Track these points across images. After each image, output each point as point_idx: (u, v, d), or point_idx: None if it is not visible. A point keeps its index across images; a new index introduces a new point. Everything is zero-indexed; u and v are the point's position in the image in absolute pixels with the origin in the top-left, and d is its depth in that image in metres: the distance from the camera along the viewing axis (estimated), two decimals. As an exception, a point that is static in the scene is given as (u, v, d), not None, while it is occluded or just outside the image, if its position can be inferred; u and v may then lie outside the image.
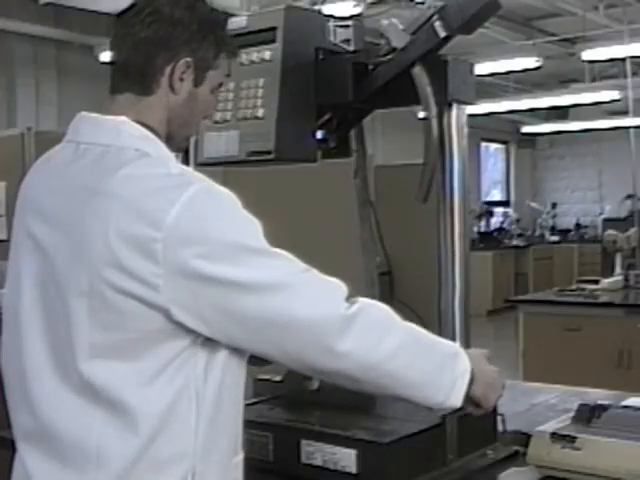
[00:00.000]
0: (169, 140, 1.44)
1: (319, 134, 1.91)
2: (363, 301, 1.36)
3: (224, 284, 1.26)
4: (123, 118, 1.38)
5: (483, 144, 14.62)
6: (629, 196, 9.19)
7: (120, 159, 1.32)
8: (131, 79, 1.41)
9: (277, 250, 1.33)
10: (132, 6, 1.43)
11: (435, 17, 1.72)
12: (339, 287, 1.35)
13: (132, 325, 1.27)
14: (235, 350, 1.36)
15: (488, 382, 1.50)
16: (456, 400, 1.43)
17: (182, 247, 1.25)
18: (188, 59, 1.40)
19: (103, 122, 1.39)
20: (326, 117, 1.93)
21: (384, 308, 1.40)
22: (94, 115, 1.41)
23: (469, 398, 1.46)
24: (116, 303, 1.25)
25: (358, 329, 1.32)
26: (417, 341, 1.41)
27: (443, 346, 1.46)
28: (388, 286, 2.81)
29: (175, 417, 1.30)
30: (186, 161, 2.02)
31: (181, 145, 1.51)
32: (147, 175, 1.30)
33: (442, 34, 1.71)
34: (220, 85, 1.50)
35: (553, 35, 9.35)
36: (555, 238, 14.10)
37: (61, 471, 1.31)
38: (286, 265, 1.33)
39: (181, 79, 1.41)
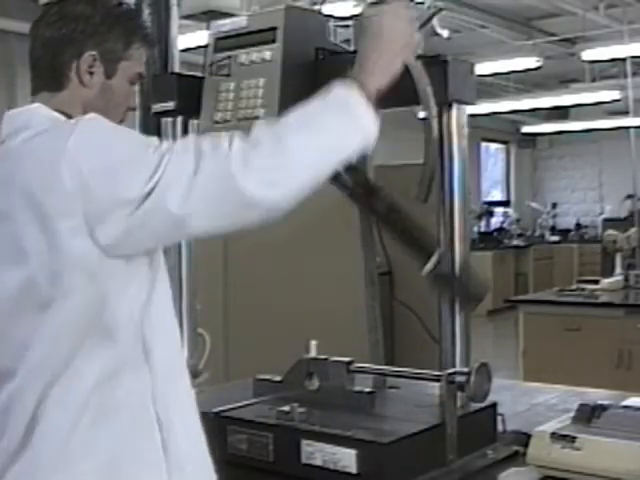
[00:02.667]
0: None
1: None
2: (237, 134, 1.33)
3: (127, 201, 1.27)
4: (36, 104, 1.44)
5: (483, 144, 14.61)
6: (629, 196, 9.19)
7: (26, 134, 1.37)
8: (43, 78, 1.48)
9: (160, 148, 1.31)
10: (43, 10, 1.48)
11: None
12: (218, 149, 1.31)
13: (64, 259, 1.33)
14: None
15: (385, 59, 1.48)
16: (371, 125, 1.40)
17: (86, 172, 1.28)
18: (93, 52, 1.45)
19: (17, 113, 1.45)
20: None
21: (262, 126, 1.36)
22: (13, 110, 1.46)
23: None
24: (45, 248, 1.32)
25: (257, 172, 1.29)
26: (306, 121, 1.36)
27: (330, 99, 1.41)
28: (388, 286, 2.82)
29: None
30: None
31: None
32: (42, 130, 1.35)
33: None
34: (139, 76, 1.54)
35: (553, 35, 9.35)
36: (555, 238, 14.09)
37: None
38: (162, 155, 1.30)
39: (90, 72, 1.46)
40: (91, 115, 1.36)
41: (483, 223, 13.65)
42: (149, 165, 1.28)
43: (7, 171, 1.34)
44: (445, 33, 1.87)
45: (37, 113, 1.42)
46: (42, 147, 1.33)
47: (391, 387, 2.10)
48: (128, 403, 1.34)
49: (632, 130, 6.99)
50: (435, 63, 1.76)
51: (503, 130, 14.67)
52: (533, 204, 14.66)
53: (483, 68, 8.72)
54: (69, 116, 1.43)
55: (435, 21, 1.81)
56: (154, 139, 1.35)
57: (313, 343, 2.01)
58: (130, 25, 1.52)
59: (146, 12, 2.04)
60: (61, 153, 1.28)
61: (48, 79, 1.47)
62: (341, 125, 1.39)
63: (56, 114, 1.43)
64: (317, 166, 1.37)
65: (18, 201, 1.31)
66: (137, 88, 1.58)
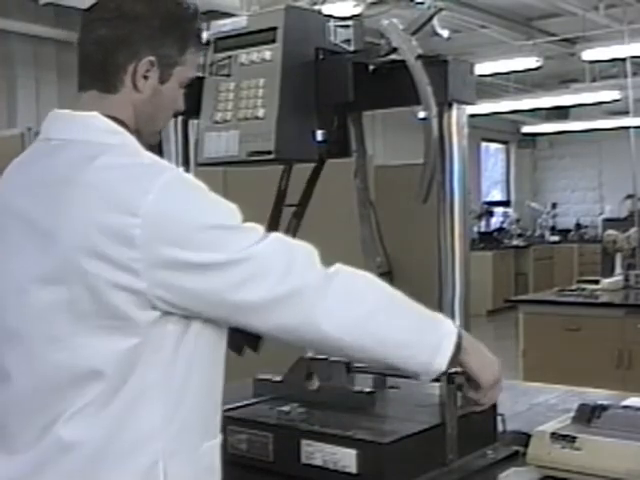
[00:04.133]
0: (137, 135, 1.44)
1: (319, 134, 1.91)
2: (339, 265, 1.37)
3: (202, 269, 1.27)
4: (94, 113, 1.38)
5: (483, 144, 14.61)
6: (629, 196, 9.20)
7: (92, 151, 1.32)
8: (94, 76, 1.41)
9: (250, 225, 1.33)
10: (97, 2, 1.42)
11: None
12: (312, 251, 1.37)
13: (111, 311, 1.26)
14: (209, 328, 1.35)
15: (483, 358, 1.48)
16: (442, 362, 1.40)
17: (160, 234, 1.25)
18: (151, 58, 1.39)
19: (73, 118, 1.40)
20: (326, 117, 1.93)
21: (361, 272, 1.40)
22: (66, 111, 1.41)
23: (463, 368, 1.46)
24: (97, 290, 1.25)
25: (336, 290, 1.33)
26: (399, 301, 1.40)
27: (426, 310, 1.44)
28: (388, 286, 2.82)
29: (143, 396, 1.30)
30: (186, 161, 2.02)
31: (150, 140, 1.50)
32: (121, 164, 1.31)
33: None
34: (190, 79, 1.49)
35: (553, 35, 9.36)
36: (555, 238, 14.09)
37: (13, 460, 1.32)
38: (259, 239, 1.32)
39: (145, 77, 1.40)
40: (176, 175, 1.32)
41: (483, 223, 13.65)
42: (236, 240, 1.30)
43: (69, 194, 1.29)
44: (445, 33, 1.87)
45: (93, 126, 1.37)
46: (119, 189, 1.27)
47: (391, 387, 2.10)
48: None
49: (632, 130, 7.00)
50: (435, 63, 1.76)
51: (503, 130, 14.68)
52: (533, 204, 14.67)
53: (483, 68, 8.73)
54: (121, 122, 1.39)
55: (435, 21, 1.81)
56: (238, 216, 1.34)
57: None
58: (187, 29, 1.44)
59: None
60: (139, 206, 1.25)
61: (99, 79, 1.40)
62: (425, 343, 1.41)
63: (112, 125, 1.38)
64: (375, 343, 1.38)
65: (73, 232, 1.27)
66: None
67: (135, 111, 1.42)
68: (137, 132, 1.44)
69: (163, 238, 1.25)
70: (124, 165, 1.31)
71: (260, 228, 1.34)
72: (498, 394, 1.56)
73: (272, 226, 2.03)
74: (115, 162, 1.31)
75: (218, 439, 1.44)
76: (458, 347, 1.42)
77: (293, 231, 2.04)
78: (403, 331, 1.39)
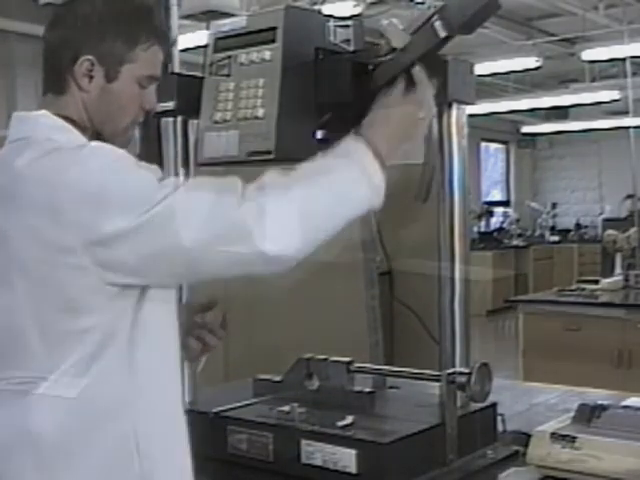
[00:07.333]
0: (99, 136, 1.45)
1: (319, 134, 1.91)
2: (254, 187, 1.33)
3: (135, 234, 1.27)
4: (43, 111, 1.42)
5: (483, 144, 14.61)
6: (629, 196, 9.19)
7: (30, 146, 1.35)
8: (48, 80, 1.45)
9: (169, 182, 1.33)
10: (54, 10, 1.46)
11: (435, 17, 1.71)
12: (231, 194, 1.32)
13: (70, 294, 1.29)
14: (160, 292, 1.37)
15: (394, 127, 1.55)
16: (377, 178, 1.46)
17: (85, 208, 1.27)
18: (89, 57, 1.40)
19: (25, 117, 1.43)
20: (326, 117, 1.93)
21: (272, 175, 1.37)
22: (21, 113, 1.45)
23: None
24: (46, 275, 1.29)
25: (270, 224, 1.29)
26: (314, 169, 1.41)
27: (338, 151, 1.45)
28: (388, 286, 2.81)
29: (107, 367, 1.32)
30: (186, 161, 2.02)
31: (116, 141, 1.46)
32: (50, 149, 1.33)
33: (442, 34, 1.71)
34: (151, 78, 1.47)
35: (553, 35, 9.36)
36: (555, 238, 14.09)
37: None
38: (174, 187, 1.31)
39: (89, 77, 1.41)
40: (97, 143, 1.35)
41: (483, 223, 13.65)
42: (155, 196, 1.28)
43: (11, 192, 1.33)
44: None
45: (41, 123, 1.40)
46: (45, 175, 1.30)
47: (391, 387, 2.10)
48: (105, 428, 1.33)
49: (632, 130, 7.00)
50: (435, 63, 1.76)
51: (503, 130, 14.67)
52: (533, 204, 14.66)
53: (483, 68, 8.72)
54: (74, 121, 1.41)
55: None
56: (159, 176, 1.34)
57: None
58: (135, 24, 1.43)
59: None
60: (63, 183, 1.27)
61: (51, 82, 1.44)
62: (347, 174, 1.41)
63: (61, 122, 1.40)
64: (325, 217, 1.38)
65: (19, 225, 1.31)
66: (153, 89, 1.49)
67: (87, 111, 1.43)
68: (97, 133, 1.45)
69: (89, 211, 1.27)
70: (51, 150, 1.33)
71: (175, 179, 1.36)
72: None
73: None
74: (44, 149, 1.33)
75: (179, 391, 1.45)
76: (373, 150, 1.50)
77: None
78: (336, 189, 1.41)
